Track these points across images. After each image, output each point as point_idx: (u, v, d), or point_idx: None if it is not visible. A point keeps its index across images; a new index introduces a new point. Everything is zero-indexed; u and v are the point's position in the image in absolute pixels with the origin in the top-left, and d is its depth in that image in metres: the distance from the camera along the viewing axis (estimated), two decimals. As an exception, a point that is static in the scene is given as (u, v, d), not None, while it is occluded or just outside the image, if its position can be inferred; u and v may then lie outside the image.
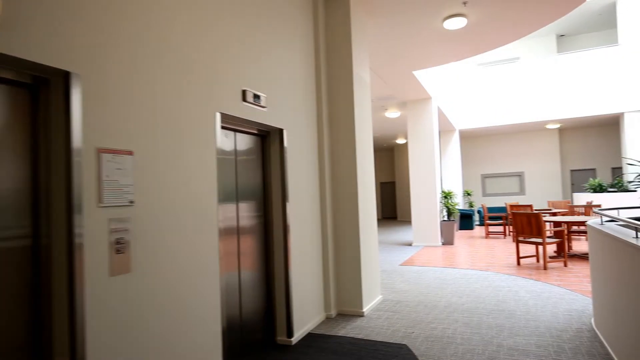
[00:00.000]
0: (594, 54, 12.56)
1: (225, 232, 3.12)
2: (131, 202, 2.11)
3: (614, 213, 3.99)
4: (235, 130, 3.35)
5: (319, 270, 4.22)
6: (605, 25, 14.23)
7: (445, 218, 9.72)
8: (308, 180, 4.13)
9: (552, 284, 5.19)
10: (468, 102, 13.89)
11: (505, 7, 5.09)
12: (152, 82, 2.29)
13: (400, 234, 12.17)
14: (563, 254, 6.35)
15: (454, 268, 6.52)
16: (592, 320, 3.74)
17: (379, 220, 17.88)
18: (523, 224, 6.36)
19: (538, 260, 6.72)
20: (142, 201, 2.18)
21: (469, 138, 15.85)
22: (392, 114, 10.85)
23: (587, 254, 6.95)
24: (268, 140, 3.75)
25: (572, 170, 15.20)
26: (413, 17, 5.23)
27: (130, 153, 2.12)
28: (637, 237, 2.50)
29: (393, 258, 7.76)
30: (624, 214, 5.20)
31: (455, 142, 13.91)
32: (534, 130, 14.97)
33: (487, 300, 4.56)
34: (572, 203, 12.22)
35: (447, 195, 9.63)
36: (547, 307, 4.22)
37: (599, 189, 11.94)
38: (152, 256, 2.21)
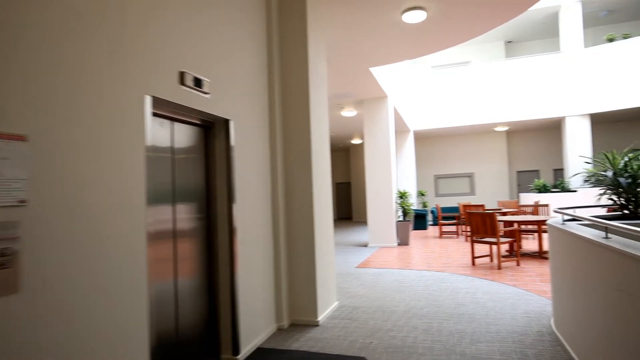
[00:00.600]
0: (539, 60, 13.12)
1: (157, 237, 2.67)
2: (22, 201, 1.64)
3: (570, 212, 3.95)
4: (172, 119, 2.91)
5: (270, 277, 3.84)
6: (548, 33, 14.95)
7: (401, 218, 9.66)
8: (258, 179, 3.74)
9: (507, 284, 5.15)
10: (422, 104, 14.05)
11: (464, 2, 4.98)
12: (58, 50, 1.82)
13: (356, 234, 12.02)
14: (516, 253, 6.40)
15: (411, 270, 6.38)
16: (552, 322, 3.65)
17: (334, 221, 17.71)
18: (478, 224, 6.34)
19: (492, 260, 6.74)
20: (39, 200, 1.71)
21: (422, 139, 16.08)
22: (349, 112, 10.67)
23: (537, 252, 7.09)
24: (212, 132, 3.33)
25: (518, 172, 15.84)
26: (371, 7, 5.00)
27: (21, 138, 1.65)
28: (607, 237, 2.36)
29: (349, 260, 7.52)
30: (579, 214, 5.24)
31: (409, 142, 14.02)
32: (484, 132, 15.44)
33: (446, 304, 4.39)
34: (519, 203, 12.65)
35: (402, 196, 9.57)
36: (506, 309, 4.12)
37: (544, 189, 12.46)
38: (51, 270, 1.74)
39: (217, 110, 3.13)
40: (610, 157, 3.66)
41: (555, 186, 12.48)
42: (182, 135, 3.03)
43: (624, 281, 1.99)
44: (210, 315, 3.22)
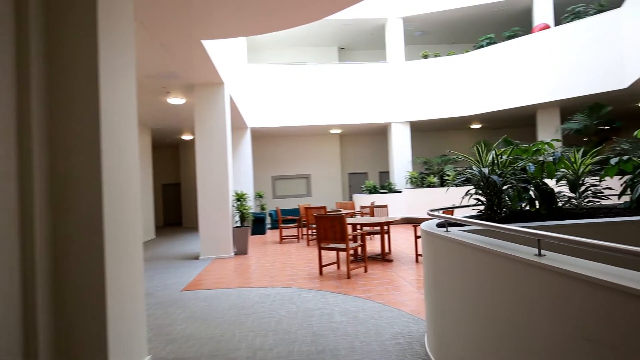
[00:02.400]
0: (368, 68, 13.79)
1: None
2: None
3: (442, 215, 3.45)
4: None
5: (16, 332, 2.17)
6: (377, 44, 16.00)
7: (238, 224, 8.50)
8: (-12, 170, 2.04)
9: (363, 297, 4.53)
10: (260, 100, 13.18)
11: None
12: None
13: (185, 244, 10.29)
14: (363, 258, 5.96)
15: (252, 288, 5.27)
16: (427, 345, 3.05)
17: (160, 227, 15.33)
18: (326, 228, 5.67)
19: (339, 267, 6.19)
20: None
21: (260, 138, 15.25)
22: (176, 100, 8.95)
23: (379, 255, 6.88)
24: None
25: (349, 173, 16.52)
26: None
27: None
28: (540, 253, 1.69)
29: (174, 280, 5.96)
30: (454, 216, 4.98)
31: (247, 140, 12.97)
32: (320, 134, 15.54)
33: (301, 336, 3.42)
34: (355, 204, 12.94)
35: (240, 198, 8.42)
36: (371, 335, 3.38)
37: (374, 190, 13.04)
38: None
39: None
40: (482, 152, 3.26)
41: (383, 187, 13.24)
42: None
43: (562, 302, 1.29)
44: None
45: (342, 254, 6.69)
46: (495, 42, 12.85)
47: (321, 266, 5.84)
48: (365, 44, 16.15)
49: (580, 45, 10.86)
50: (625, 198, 3.54)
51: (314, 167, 15.84)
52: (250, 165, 12.98)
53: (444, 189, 11.93)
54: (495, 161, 3.20)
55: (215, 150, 8.02)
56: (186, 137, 14.27)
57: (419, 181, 12.86)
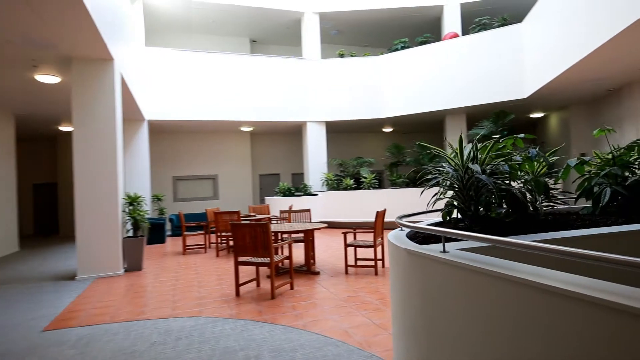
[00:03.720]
0: (283, 63, 12.95)
1: None
2: None
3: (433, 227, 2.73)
4: None
5: None
6: (292, 40, 15.23)
7: (131, 233, 6.98)
8: None
9: (296, 326, 3.63)
10: (160, 90, 11.49)
11: None
12: None
13: (59, 259, 8.30)
14: (288, 272, 5.06)
15: (148, 320, 4.03)
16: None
17: (27, 237, 12.56)
18: (245, 239, 4.66)
19: (259, 285, 5.20)
20: None
21: (160, 133, 13.42)
22: (48, 77, 7.09)
23: (304, 266, 6.05)
24: None
25: (261, 175, 15.48)
26: None
27: None
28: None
29: (34, 314, 4.40)
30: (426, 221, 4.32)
31: (143, 135, 11.20)
32: (229, 131, 14.24)
33: (221, 399, 2.41)
34: (270, 207, 11.93)
35: (133, 202, 6.92)
36: (319, 387, 2.51)
37: (288, 192, 12.23)
38: None
39: None
40: (459, 148, 2.61)
41: (298, 189, 12.49)
42: None
43: None
44: None
45: (263, 269, 5.71)
46: (409, 47, 12.98)
47: (238, 285, 4.80)
48: (280, 38, 15.30)
49: (486, 55, 11.37)
50: (582, 202, 3.25)
51: (222, 167, 14.47)
52: (147, 163, 11.23)
53: (361, 191, 11.60)
54: (475, 157, 2.58)
55: (100, 143, 6.43)
56: (66, 128, 11.88)
57: (335, 183, 12.38)
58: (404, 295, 2.16)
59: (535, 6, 10.08)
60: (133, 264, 6.63)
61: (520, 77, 10.85)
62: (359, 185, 12.19)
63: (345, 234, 5.80)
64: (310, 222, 6.93)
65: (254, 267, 5.82)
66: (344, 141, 15.83)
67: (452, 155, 2.68)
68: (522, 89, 10.84)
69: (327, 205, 11.67)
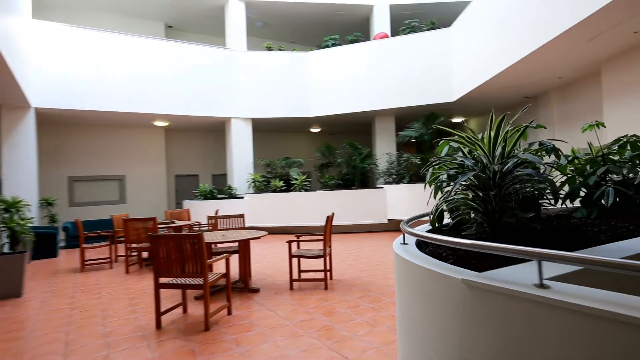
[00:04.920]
0: (205, 51, 11.69)
1: None
2: None
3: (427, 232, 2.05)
4: None
5: None
6: (215, 30, 13.93)
7: (6, 249, 5.37)
8: None
9: (245, 372, 2.74)
10: (53, 72, 9.53)
11: None
12: None
13: None
14: (227, 294, 4.09)
15: (25, 377, 2.81)
16: None
17: None
18: (171, 254, 3.61)
19: (186, 311, 4.15)
20: None
21: (52, 124, 11.25)
22: None
23: (238, 282, 5.08)
24: None
25: (177, 176, 13.92)
26: None
27: None
28: None
29: None
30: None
31: (28, 126, 9.18)
32: (139, 125, 12.50)
33: None
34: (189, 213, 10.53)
35: (10, 208, 5.34)
36: None
37: (210, 195, 11.05)
38: None
39: None
40: (489, 136, 1.97)
41: (221, 192, 11.32)
42: None
43: None
44: None
45: (190, 290, 4.64)
46: (339, 44, 12.58)
47: (159, 314, 3.72)
48: (200, 26, 13.93)
49: (416, 58, 11.38)
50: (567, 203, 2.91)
51: (131, 166, 12.67)
52: (34, 161, 9.21)
53: (292, 193, 10.86)
54: (503, 149, 1.97)
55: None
56: None
57: (263, 185, 11.44)
58: (454, 348, 1.44)
59: (462, 13, 10.28)
60: (8, 289, 5.07)
61: (448, 80, 11.01)
62: (289, 187, 11.40)
63: (290, 242, 4.98)
64: (245, 228, 5.97)
65: (179, 289, 4.73)
66: (271, 140, 14.96)
67: (472, 144, 2.05)
68: (450, 92, 11.00)
69: (255, 208, 10.69)
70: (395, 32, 12.73)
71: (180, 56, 11.18)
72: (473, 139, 1.99)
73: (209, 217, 6.10)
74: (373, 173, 12.39)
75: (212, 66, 11.58)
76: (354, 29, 13.71)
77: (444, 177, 2.59)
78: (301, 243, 5.76)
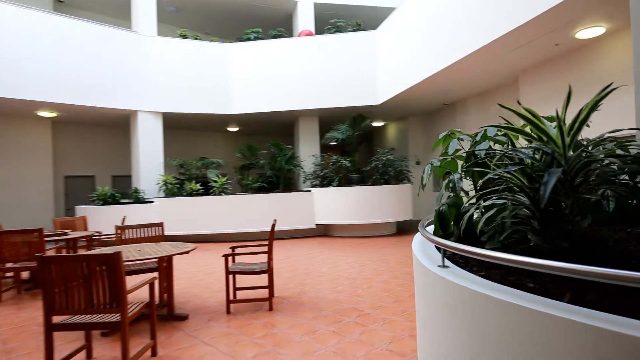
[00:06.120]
0: (108, 33, 10.04)
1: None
2: None
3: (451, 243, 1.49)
4: None
5: None
6: (119, 10, 12.15)
7: None
8: None
9: None
10: None
11: None
12: None
13: None
14: (151, 328, 3.13)
15: None
16: None
17: None
18: (71, 282, 2.58)
19: (90, 356, 3.08)
20: None
21: None
22: None
23: (162, 305, 4.07)
24: None
25: (67, 177, 11.83)
26: None
27: None
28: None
29: None
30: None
31: None
32: (17, 115, 10.31)
33: None
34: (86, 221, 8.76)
35: None
36: None
37: (112, 199, 9.47)
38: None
39: None
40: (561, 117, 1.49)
41: (125, 196, 9.76)
42: None
43: None
44: None
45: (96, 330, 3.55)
46: (262, 39, 11.83)
47: (51, 366, 2.65)
48: (98, 3, 12.06)
49: (342, 58, 11.12)
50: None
51: (7, 165, 10.39)
52: None
53: (212, 197, 9.79)
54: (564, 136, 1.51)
55: None
56: None
57: (176, 188, 10.15)
58: None
59: (389, 17, 10.29)
60: None
61: (374, 83, 10.94)
62: (207, 191, 10.27)
63: (226, 257, 4.14)
64: (162, 238, 4.92)
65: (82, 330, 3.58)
66: (185, 139, 13.58)
67: (528, 128, 1.56)
68: (375, 95, 10.94)
69: (167, 215, 9.38)
70: (319, 31, 12.39)
71: (73, 36, 9.42)
72: (540, 125, 1.50)
73: (117, 227, 4.93)
74: (298, 176, 11.83)
75: (114, 50, 9.99)
76: (276, 24, 13.06)
77: (456, 177, 2.13)
78: (236, 256, 4.92)
